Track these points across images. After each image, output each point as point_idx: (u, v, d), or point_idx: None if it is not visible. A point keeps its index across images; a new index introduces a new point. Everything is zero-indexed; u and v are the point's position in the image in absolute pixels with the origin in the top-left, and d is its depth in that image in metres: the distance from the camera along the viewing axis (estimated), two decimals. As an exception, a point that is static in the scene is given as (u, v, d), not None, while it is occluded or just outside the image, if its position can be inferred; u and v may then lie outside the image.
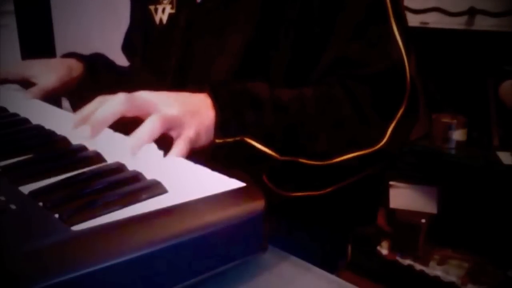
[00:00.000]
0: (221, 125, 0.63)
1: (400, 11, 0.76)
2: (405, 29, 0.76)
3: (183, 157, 0.58)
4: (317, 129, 0.70)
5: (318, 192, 0.77)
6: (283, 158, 0.68)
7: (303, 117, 0.69)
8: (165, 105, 0.60)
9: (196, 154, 0.60)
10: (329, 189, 0.77)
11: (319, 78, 0.75)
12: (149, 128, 0.56)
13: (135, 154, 0.56)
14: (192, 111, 0.61)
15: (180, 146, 0.58)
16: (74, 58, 0.94)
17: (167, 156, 0.57)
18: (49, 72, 0.88)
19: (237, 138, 0.64)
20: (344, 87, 0.72)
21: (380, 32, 0.74)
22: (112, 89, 0.64)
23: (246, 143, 0.65)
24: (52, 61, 0.93)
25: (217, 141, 0.63)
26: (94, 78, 0.95)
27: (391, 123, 0.72)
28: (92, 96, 0.62)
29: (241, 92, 0.66)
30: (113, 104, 0.57)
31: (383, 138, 0.71)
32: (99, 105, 0.59)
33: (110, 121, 0.57)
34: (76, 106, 0.97)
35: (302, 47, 0.76)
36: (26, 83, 0.89)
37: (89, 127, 0.56)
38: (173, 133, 0.60)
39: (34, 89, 0.85)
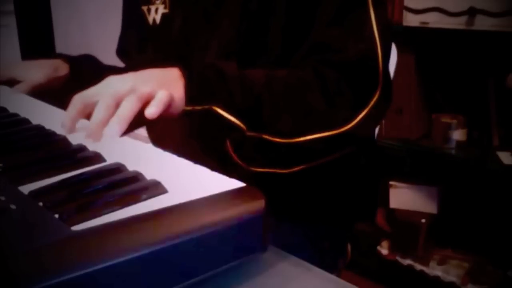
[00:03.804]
0: (189, 93, 0.67)
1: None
2: (383, 17, 0.77)
3: (157, 114, 0.61)
4: (282, 108, 0.72)
5: (285, 170, 0.80)
6: (250, 133, 0.71)
7: (268, 96, 0.71)
8: (140, 83, 0.64)
9: (174, 134, 0.63)
10: (296, 168, 0.80)
11: (297, 63, 0.77)
12: (127, 107, 0.61)
13: (119, 135, 0.59)
14: (164, 82, 0.66)
15: (154, 105, 0.62)
16: (61, 59, 0.97)
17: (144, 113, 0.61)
18: (35, 70, 0.92)
19: (205, 107, 0.68)
20: (315, 70, 0.74)
21: (357, 19, 0.75)
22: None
23: (214, 112, 0.68)
24: (39, 60, 0.96)
25: (186, 108, 0.67)
26: (79, 78, 0.96)
27: (363, 109, 0.73)
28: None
29: (209, 67, 0.70)
30: (102, 111, 0.61)
31: (351, 122, 0.73)
32: (79, 106, 0.63)
33: (104, 126, 0.60)
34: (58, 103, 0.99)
35: (292, 35, 0.78)
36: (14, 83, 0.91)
37: (88, 137, 0.60)
38: None
39: (21, 85, 0.89)
